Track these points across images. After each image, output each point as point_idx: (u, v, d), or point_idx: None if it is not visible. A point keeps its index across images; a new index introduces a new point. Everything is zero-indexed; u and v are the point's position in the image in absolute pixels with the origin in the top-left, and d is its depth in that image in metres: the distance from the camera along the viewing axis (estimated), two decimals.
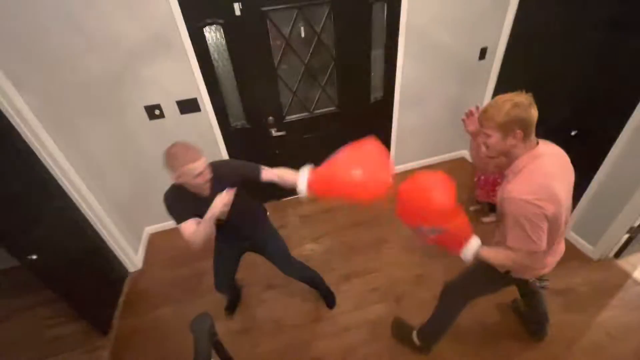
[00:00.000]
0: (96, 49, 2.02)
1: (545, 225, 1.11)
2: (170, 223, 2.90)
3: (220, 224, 1.53)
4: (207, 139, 2.58)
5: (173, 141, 2.46)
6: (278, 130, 2.71)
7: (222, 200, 1.38)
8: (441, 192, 1.27)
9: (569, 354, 1.84)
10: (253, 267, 2.52)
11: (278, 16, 2.25)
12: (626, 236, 2.22)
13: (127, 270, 2.55)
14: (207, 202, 1.41)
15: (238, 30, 2.21)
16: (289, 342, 2.02)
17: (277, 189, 1.72)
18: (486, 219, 2.73)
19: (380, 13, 2.45)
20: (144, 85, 2.22)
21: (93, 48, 2.01)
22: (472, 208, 2.84)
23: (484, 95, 3.09)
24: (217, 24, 2.16)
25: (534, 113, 1.08)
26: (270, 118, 2.64)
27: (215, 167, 1.47)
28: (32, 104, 1.83)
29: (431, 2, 2.45)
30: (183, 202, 1.47)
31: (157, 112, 2.34)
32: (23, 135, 1.78)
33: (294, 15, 2.28)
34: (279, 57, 2.42)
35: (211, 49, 2.25)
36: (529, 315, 1.91)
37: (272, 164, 2.83)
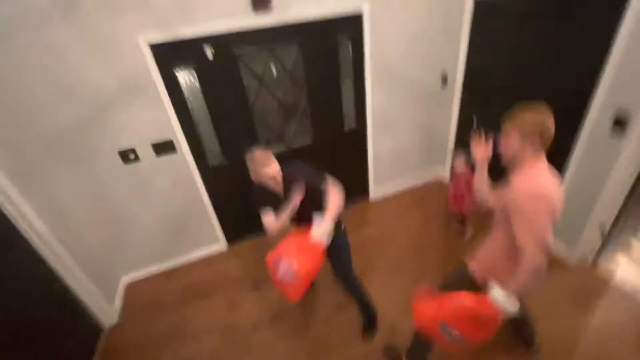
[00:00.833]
0: (68, 98, 2.02)
1: (551, 221, 1.16)
2: (149, 269, 2.79)
3: (296, 219, 1.80)
4: (184, 179, 2.56)
5: (149, 184, 2.47)
6: None
7: (291, 205, 1.66)
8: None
9: None
10: (240, 307, 2.41)
11: (249, 58, 2.36)
12: (600, 239, 2.30)
13: (101, 325, 2.36)
14: (281, 197, 1.73)
15: (211, 73, 2.29)
16: None
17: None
18: (467, 235, 2.80)
19: (346, 50, 2.62)
20: (117, 130, 2.22)
21: (64, 97, 2.01)
22: (453, 228, 2.91)
23: (450, 117, 3.27)
24: (190, 67, 2.23)
25: (553, 128, 1.19)
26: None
27: (289, 171, 1.73)
28: None
29: (391, 38, 2.65)
30: (263, 194, 1.75)
31: (131, 156, 2.32)
32: None
33: (265, 56, 2.40)
34: (253, 96, 2.50)
35: (185, 91, 2.31)
36: (516, 326, 1.86)
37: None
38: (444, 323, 1.24)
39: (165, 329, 2.33)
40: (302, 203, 1.70)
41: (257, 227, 3.08)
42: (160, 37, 2.05)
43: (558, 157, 2.28)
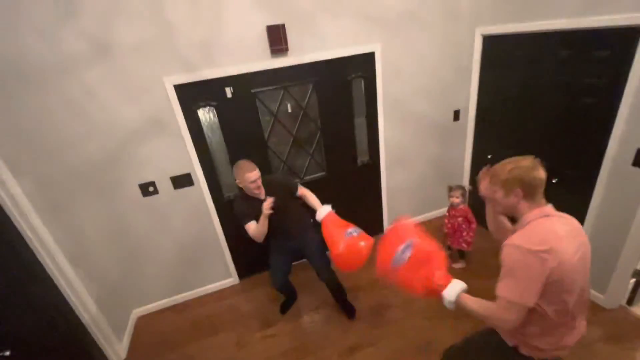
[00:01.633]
0: (95, 134, 2.15)
1: (539, 281, 1.05)
2: (160, 303, 2.77)
3: (272, 224, 2.03)
4: (200, 211, 2.60)
5: (166, 216, 2.52)
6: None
7: (265, 205, 1.94)
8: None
9: None
10: (249, 345, 2.33)
11: (266, 96, 2.48)
12: (633, 280, 2.16)
13: None
14: (262, 203, 1.97)
15: (229, 110, 2.40)
16: None
17: None
18: (456, 265, 2.78)
19: (359, 87, 2.72)
20: (139, 164, 2.31)
21: (92, 133, 2.14)
22: (453, 265, 2.83)
23: (463, 152, 3.26)
24: (210, 105, 2.36)
25: (536, 175, 1.14)
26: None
27: (268, 179, 2.07)
28: (25, 187, 1.87)
29: (403, 76, 2.74)
30: (246, 206, 2.02)
31: (151, 189, 2.40)
32: (12, 218, 1.77)
33: (281, 94, 2.51)
34: (268, 131, 2.59)
35: (204, 127, 2.41)
36: None
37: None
38: (410, 241, 1.40)
39: None
40: (282, 206, 2.03)
41: (268, 263, 3.05)
42: (184, 78, 2.19)
43: (580, 195, 2.22)
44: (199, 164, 2.46)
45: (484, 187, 1.37)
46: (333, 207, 2.08)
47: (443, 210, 3.53)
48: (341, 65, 2.55)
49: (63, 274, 2.00)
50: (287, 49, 2.30)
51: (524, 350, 1.24)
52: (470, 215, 2.64)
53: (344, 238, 1.86)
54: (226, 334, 2.47)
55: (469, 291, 1.26)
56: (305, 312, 2.57)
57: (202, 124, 2.39)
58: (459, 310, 1.26)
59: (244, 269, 2.99)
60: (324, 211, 2.03)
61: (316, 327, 2.42)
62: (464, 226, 2.64)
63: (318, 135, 2.76)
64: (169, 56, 2.11)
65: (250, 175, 1.92)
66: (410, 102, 2.87)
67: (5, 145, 1.81)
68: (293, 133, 2.68)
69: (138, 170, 2.33)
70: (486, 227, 1.47)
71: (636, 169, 1.88)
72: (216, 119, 2.42)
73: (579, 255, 1.11)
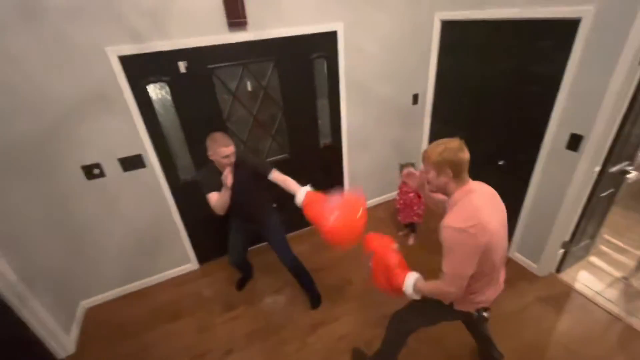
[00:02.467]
0: (25, 110, 1.90)
1: (475, 253, 1.21)
2: (113, 292, 2.61)
3: (236, 204, 1.96)
4: (154, 195, 2.45)
5: (115, 201, 2.35)
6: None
7: (224, 174, 1.80)
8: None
9: None
10: (211, 329, 2.30)
11: (224, 72, 2.34)
12: (561, 251, 2.44)
13: (55, 356, 2.15)
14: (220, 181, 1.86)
15: (184, 87, 2.24)
16: None
17: None
18: (410, 241, 3.00)
19: (321, 68, 2.67)
20: (81, 144, 2.10)
21: (18, 108, 1.88)
22: (400, 233, 3.09)
23: (421, 134, 3.40)
24: (162, 81, 2.18)
25: (463, 156, 1.25)
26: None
27: (240, 156, 1.95)
28: None
29: (364, 58, 2.74)
30: (212, 177, 1.92)
31: (96, 171, 2.20)
32: None
33: (240, 72, 2.39)
34: (227, 110, 2.47)
35: (156, 105, 2.24)
36: (482, 348, 1.90)
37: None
38: (372, 254, 1.57)
39: (128, 356, 2.16)
40: (247, 187, 1.98)
41: None
42: (131, 49, 1.99)
43: (522, 176, 2.42)
44: (151, 144, 2.29)
45: (411, 182, 1.61)
46: (313, 188, 1.90)
47: None
48: (303, 44, 2.48)
49: None
50: (245, 23, 2.18)
51: (458, 307, 1.44)
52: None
53: (331, 212, 1.66)
54: (187, 319, 2.41)
55: (423, 267, 1.40)
56: (268, 293, 2.58)
57: (153, 101, 2.21)
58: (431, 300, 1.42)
59: (203, 253, 2.90)
60: (303, 192, 1.83)
61: (279, 308, 2.45)
62: (415, 200, 2.81)
63: (280, 116, 2.69)
64: (112, 24, 1.90)
65: (224, 150, 1.82)
66: (372, 84, 2.89)
67: None
68: (254, 113, 2.59)
69: (80, 151, 2.11)
70: None
71: (569, 151, 2.09)
72: (169, 97, 2.25)
73: (498, 220, 1.28)
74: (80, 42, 1.87)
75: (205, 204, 2.66)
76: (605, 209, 2.49)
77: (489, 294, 1.41)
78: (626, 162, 2.23)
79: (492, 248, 1.24)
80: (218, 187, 1.90)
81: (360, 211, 1.68)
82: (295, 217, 3.31)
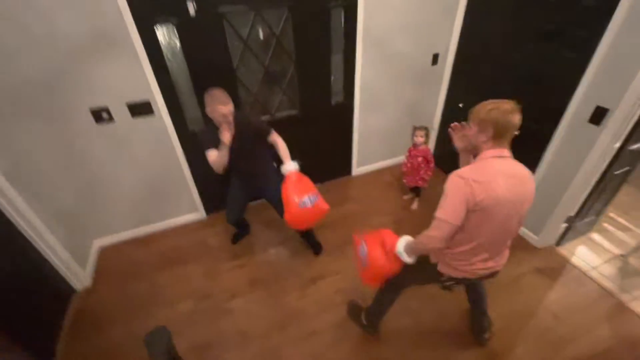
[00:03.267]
0: (32, 48, 1.84)
1: (465, 202, 1.18)
2: (124, 234, 2.73)
3: (237, 164, 2.02)
4: (162, 144, 2.45)
5: (124, 146, 2.36)
6: None
7: (223, 137, 1.84)
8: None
9: (520, 340, 1.98)
10: (217, 275, 2.43)
11: (235, 18, 2.21)
12: (564, 225, 2.45)
13: (72, 289, 2.32)
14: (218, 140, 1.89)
15: (193, 31, 2.13)
16: (255, 353, 1.95)
17: None
18: (414, 206, 3.00)
19: (338, 18, 2.50)
20: (89, 87, 2.06)
21: (28, 46, 1.83)
22: (405, 197, 3.11)
23: (437, 98, 3.26)
24: (169, 23, 2.07)
25: (511, 118, 1.19)
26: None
27: (240, 115, 1.94)
28: None
29: (385, 10, 2.55)
30: (212, 133, 1.90)
31: (105, 115, 2.18)
32: None
33: (252, 18, 2.25)
34: (237, 59, 2.37)
35: (164, 50, 2.15)
36: (472, 315, 1.94)
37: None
38: (363, 242, 1.66)
39: (138, 295, 2.32)
40: (246, 147, 1.99)
41: None
42: None
43: (536, 149, 2.35)
44: (159, 91, 2.24)
45: (456, 138, 1.47)
46: (301, 165, 2.03)
47: None
48: None
49: (9, 201, 1.86)
50: None
51: (441, 268, 1.45)
52: (430, 156, 2.80)
53: (297, 208, 1.92)
54: (193, 265, 2.54)
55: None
56: (272, 245, 2.68)
57: (161, 45, 2.12)
58: (419, 256, 1.48)
59: (211, 204, 2.97)
60: (289, 167, 1.97)
61: (282, 259, 2.55)
62: (422, 165, 2.79)
63: (292, 70, 2.58)
64: None
65: (221, 108, 1.80)
66: (390, 40, 2.72)
67: None
68: (265, 64, 2.48)
69: (88, 93, 2.08)
70: (443, 169, 1.58)
71: (591, 125, 2.00)
72: (177, 41, 2.15)
73: (512, 195, 1.21)
74: None
75: None
76: (617, 187, 2.45)
77: (474, 267, 1.39)
78: None
79: (489, 215, 1.21)
80: (217, 144, 1.89)
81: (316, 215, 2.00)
82: (306, 175, 3.34)
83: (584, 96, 1.99)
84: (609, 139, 1.95)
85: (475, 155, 1.32)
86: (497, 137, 1.22)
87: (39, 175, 2.14)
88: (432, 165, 2.83)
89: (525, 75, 2.38)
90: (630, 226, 2.76)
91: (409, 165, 2.88)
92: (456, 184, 1.20)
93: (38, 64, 1.89)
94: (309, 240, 2.55)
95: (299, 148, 2.93)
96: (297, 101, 2.75)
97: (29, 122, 2.03)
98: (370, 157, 3.44)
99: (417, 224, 2.88)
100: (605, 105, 1.91)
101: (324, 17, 2.44)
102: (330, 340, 2.00)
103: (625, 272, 2.37)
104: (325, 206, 2.03)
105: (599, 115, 1.95)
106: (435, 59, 3.01)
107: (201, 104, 2.43)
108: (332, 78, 2.76)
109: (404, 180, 2.99)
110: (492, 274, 1.48)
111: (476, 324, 1.93)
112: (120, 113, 2.22)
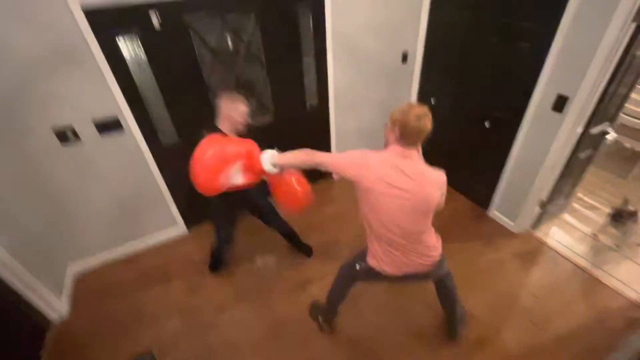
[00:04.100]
0: None
1: (352, 161, 1.36)
2: (101, 256, 2.61)
3: None
4: (135, 160, 2.36)
5: (94, 166, 2.26)
6: None
7: None
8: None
9: (501, 320, 2.05)
10: (202, 290, 2.37)
11: (202, 26, 2.16)
12: (538, 209, 2.56)
13: (48, 320, 2.20)
14: None
15: (158, 42, 2.07)
16: None
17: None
18: (335, 176, 3.12)
19: (306, 21, 2.50)
20: (50, 106, 1.96)
21: None
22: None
23: (409, 96, 3.33)
24: (132, 34, 2.00)
25: (416, 123, 1.25)
26: (205, 131, 2.51)
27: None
28: None
29: (352, 10, 2.58)
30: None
31: (70, 135, 2.08)
32: None
33: (219, 25, 2.22)
34: (207, 69, 2.32)
35: (129, 62, 2.08)
36: (445, 309, 1.90)
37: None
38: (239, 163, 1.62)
39: (120, 318, 2.22)
40: None
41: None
42: (97, 1, 1.79)
43: (507, 138, 2.44)
44: (127, 106, 2.16)
45: None
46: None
47: None
48: None
49: None
50: None
51: (369, 259, 1.55)
52: None
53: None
54: (176, 281, 2.46)
55: None
56: (257, 253, 2.64)
57: (125, 58, 2.05)
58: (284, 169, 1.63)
59: (191, 218, 2.90)
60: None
61: (269, 267, 2.53)
62: None
63: (264, 76, 2.56)
64: None
65: (243, 107, 1.88)
66: (360, 40, 2.75)
67: None
68: (236, 72, 2.45)
69: (50, 113, 1.98)
70: None
71: (554, 112, 2.11)
72: (143, 54, 2.08)
73: (402, 190, 1.29)
74: None
75: (189, 168, 2.61)
76: (583, 169, 2.59)
77: (379, 256, 1.49)
78: (607, 123, 2.28)
79: (373, 199, 1.33)
80: None
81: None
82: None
83: (546, 85, 2.10)
84: (571, 124, 2.06)
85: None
86: (403, 137, 1.29)
87: (2, 205, 2.01)
88: None
89: (491, 68, 2.47)
90: (598, 205, 2.92)
91: None
92: (358, 152, 1.37)
93: None
94: (298, 245, 2.54)
95: (278, 152, 2.92)
96: (272, 107, 2.73)
97: None
98: None
99: None
100: (566, 94, 2.01)
101: (292, 21, 2.43)
102: (328, 343, 1.99)
103: (597, 249, 2.51)
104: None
105: (560, 103, 2.05)
106: (404, 57, 3.07)
107: (173, 116, 2.37)
108: (305, 81, 2.75)
109: None
110: (417, 276, 1.55)
111: (451, 316, 1.87)
112: (87, 131, 2.12)
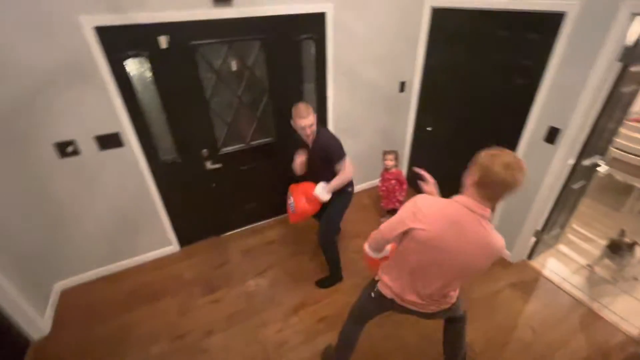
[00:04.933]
0: None
1: (398, 224, 1.26)
2: (90, 274, 2.55)
3: (309, 173, 2.27)
4: (132, 175, 2.37)
5: (91, 181, 2.27)
6: (213, 163, 2.62)
7: (298, 157, 2.23)
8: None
9: (500, 354, 1.99)
10: (192, 311, 2.30)
11: (208, 50, 2.25)
12: (533, 239, 2.56)
13: (29, 338, 2.10)
14: (308, 149, 2.17)
15: (165, 63, 2.15)
16: None
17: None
18: (382, 219, 3.10)
19: (308, 49, 2.61)
20: (53, 120, 1.99)
21: None
22: (382, 219, 3.14)
23: (406, 123, 3.42)
24: (141, 56, 2.08)
25: (502, 173, 1.05)
26: (205, 150, 2.55)
27: (321, 133, 2.11)
28: None
29: (353, 42, 2.70)
30: (299, 143, 2.20)
31: (70, 149, 2.09)
32: None
33: (225, 50, 2.31)
34: (210, 90, 2.39)
35: (135, 81, 2.14)
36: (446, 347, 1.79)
37: (209, 198, 2.72)
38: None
39: (106, 339, 2.14)
40: (315, 163, 2.17)
41: (212, 228, 2.97)
42: (108, 20, 1.88)
43: None
44: (129, 123, 2.20)
45: (429, 190, 1.57)
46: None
47: None
48: (290, 24, 2.41)
49: None
50: None
51: (380, 286, 1.49)
52: (402, 177, 2.94)
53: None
54: (167, 301, 2.39)
55: None
56: (250, 276, 2.59)
57: (131, 77, 2.11)
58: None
59: (184, 236, 2.87)
60: (318, 189, 2.13)
61: (261, 290, 2.47)
62: (397, 187, 2.91)
63: (266, 98, 2.63)
64: None
65: (300, 122, 1.98)
66: (359, 69, 2.86)
67: None
68: (238, 94, 2.52)
69: (52, 127, 2.00)
70: (415, 188, 1.65)
71: (546, 144, 2.16)
72: (149, 73, 2.15)
73: (454, 246, 1.17)
74: (51, 8, 1.74)
75: (186, 186, 2.65)
76: (576, 200, 2.62)
77: (398, 285, 1.40)
78: (598, 156, 2.34)
79: (421, 249, 1.22)
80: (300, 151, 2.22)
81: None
82: (282, 203, 3.31)
83: (538, 118, 2.17)
84: (563, 156, 2.11)
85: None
86: (481, 185, 1.11)
87: None
88: (405, 186, 2.95)
89: (485, 99, 2.56)
90: (592, 236, 2.92)
91: (384, 188, 2.97)
92: (407, 206, 1.25)
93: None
94: (330, 269, 2.49)
95: (277, 175, 2.94)
96: (273, 129, 2.78)
97: None
98: None
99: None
100: (557, 126, 2.08)
101: (296, 49, 2.54)
102: None
103: (593, 281, 2.49)
104: (291, 218, 2.29)
105: (552, 135, 2.11)
106: (402, 86, 3.18)
107: (174, 135, 2.40)
108: None
109: (382, 204, 3.04)
110: (419, 313, 1.48)
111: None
112: (87, 146, 2.14)
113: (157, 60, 2.12)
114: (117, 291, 2.50)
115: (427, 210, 1.20)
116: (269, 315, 2.26)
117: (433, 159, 3.13)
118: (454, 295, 1.46)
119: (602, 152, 2.37)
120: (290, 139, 2.87)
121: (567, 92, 1.98)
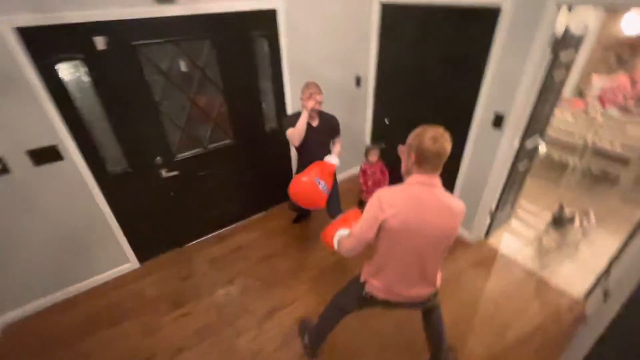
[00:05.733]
0: None
1: (373, 221, 1.26)
2: (39, 303, 2.29)
3: (309, 155, 2.35)
4: (77, 190, 2.16)
5: (28, 201, 2.05)
6: (169, 171, 2.47)
7: (304, 115, 2.18)
8: None
9: (470, 331, 2.11)
10: (158, 330, 2.16)
11: (153, 50, 2.11)
12: (489, 219, 2.74)
13: None
14: (312, 128, 2.29)
15: (104, 66, 1.97)
16: None
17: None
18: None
19: (262, 48, 2.55)
20: None
21: None
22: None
23: (365, 116, 3.48)
24: (75, 59, 1.89)
25: (431, 146, 1.18)
26: (158, 158, 2.40)
27: (325, 113, 2.39)
28: None
29: (306, 38, 2.68)
30: (296, 118, 2.21)
31: None
32: None
33: (172, 50, 2.18)
34: (159, 93, 2.24)
35: (71, 87, 1.94)
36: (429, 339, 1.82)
37: (168, 208, 2.57)
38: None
39: None
40: (319, 134, 2.31)
41: (173, 239, 2.81)
42: (32, 20, 1.68)
43: (457, 155, 2.62)
44: (68, 133, 2.00)
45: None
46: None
47: (349, 172, 3.78)
48: (241, 22, 2.33)
49: None
50: None
51: (367, 287, 1.49)
52: (384, 167, 3.05)
53: (312, 182, 2.22)
54: (129, 322, 2.22)
55: None
56: (220, 286, 2.48)
57: (65, 82, 1.91)
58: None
59: (144, 251, 2.68)
60: (333, 159, 2.36)
61: (232, 299, 2.38)
62: (382, 178, 3.03)
63: (221, 100, 2.53)
64: None
65: (318, 96, 2.17)
66: (315, 66, 2.85)
67: None
68: (191, 96, 2.39)
69: None
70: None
71: (494, 129, 2.31)
72: (86, 77, 1.96)
73: (427, 224, 1.24)
74: None
75: (141, 197, 2.47)
76: (523, 179, 2.84)
77: (388, 284, 1.42)
78: (537, 136, 2.55)
79: (398, 237, 1.26)
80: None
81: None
82: (247, 205, 3.21)
83: (485, 105, 2.31)
84: (509, 139, 2.27)
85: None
86: (420, 162, 1.23)
87: None
88: (387, 174, 3.07)
89: (437, 90, 2.68)
90: (538, 211, 3.20)
91: (370, 183, 3.02)
92: (372, 202, 1.27)
93: None
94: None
95: (238, 176, 2.85)
96: (230, 130, 2.69)
97: None
98: None
99: None
100: (501, 112, 2.23)
101: (248, 48, 2.46)
102: None
103: (541, 252, 2.72)
104: (322, 203, 2.31)
105: (498, 120, 2.26)
106: (358, 81, 3.23)
107: (122, 143, 2.23)
108: (263, 105, 2.77)
109: (363, 197, 3.13)
110: (414, 304, 1.53)
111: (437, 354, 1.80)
112: (19, 162, 1.91)
113: (94, 63, 1.94)
114: (73, 318, 2.27)
115: (389, 197, 1.25)
116: (242, 324, 2.19)
117: (392, 151, 3.22)
118: (439, 276, 1.50)
119: (542, 133, 2.59)
120: (250, 139, 2.81)
121: (508, 80, 2.13)
